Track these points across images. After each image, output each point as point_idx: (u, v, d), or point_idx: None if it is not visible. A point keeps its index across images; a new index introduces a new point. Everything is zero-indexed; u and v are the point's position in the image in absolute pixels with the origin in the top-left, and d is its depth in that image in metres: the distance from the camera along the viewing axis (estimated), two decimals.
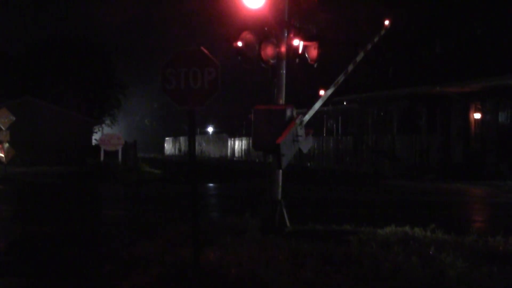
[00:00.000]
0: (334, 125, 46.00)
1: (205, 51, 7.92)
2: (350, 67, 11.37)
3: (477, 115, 31.99)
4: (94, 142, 43.71)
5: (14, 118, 29.30)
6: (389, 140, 35.84)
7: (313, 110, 11.02)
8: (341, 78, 11.32)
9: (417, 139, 33.56)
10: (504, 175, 28.40)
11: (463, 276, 7.34)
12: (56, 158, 37.89)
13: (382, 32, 11.53)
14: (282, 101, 10.59)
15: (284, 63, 10.58)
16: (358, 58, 11.36)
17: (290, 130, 10.16)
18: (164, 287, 7.38)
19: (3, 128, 28.92)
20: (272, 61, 10.50)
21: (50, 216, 14.72)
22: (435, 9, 37.18)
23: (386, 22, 11.60)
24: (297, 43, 10.57)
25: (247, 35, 10.27)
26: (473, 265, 7.80)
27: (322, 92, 11.90)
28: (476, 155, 31.34)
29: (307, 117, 10.68)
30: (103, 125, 55.76)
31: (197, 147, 63.98)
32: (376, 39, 11.56)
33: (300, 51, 10.61)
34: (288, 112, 10.32)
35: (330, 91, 11.37)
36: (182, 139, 75.67)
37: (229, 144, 62.76)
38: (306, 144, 10.67)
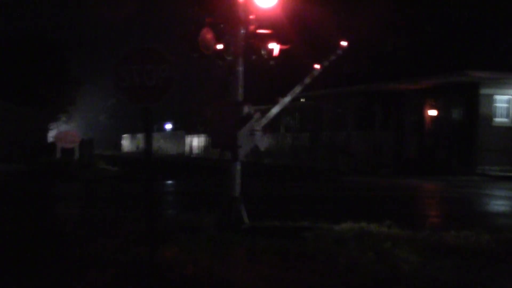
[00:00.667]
0: (291, 121, 46.25)
1: (159, 48, 7.89)
2: (307, 80, 11.78)
3: (431, 112, 32.53)
4: (50, 139, 43.07)
5: None
6: (345, 136, 36.21)
7: (270, 115, 11.23)
8: (297, 88, 11.77)
9: (371, 135, 33.99)
10: (456, 170, 28.98)
11: (416, 270, 7.47)
12: (8, 156, 37.20)
13: (339, 52, 11.91)
14: (239, 97, 10.61)
15: (241, 60, 10.61)
16: (315, 73, 11.75)
17: (247, 124, 10.23)
18: (120, 287, 7.33)
19: None
20: (229, 58, 10.51)
21: (2, 216, 14.45)
22: (389, 6, 37.62)
23: (343, 43, 12.04)
24: (254, 40, 10.61)
25: (205, 31, 10.24)
26: (426, 259, 7.95)
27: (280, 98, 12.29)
28: (429, 150, 31.89)
29: (264, 121, 10.78)
30: (60, 122, 55.00)
31: (154, 144, 63.59)
32: (332, 58, 12.08)
33: (257, 48, 10.64)
34: (246, 109, 10.37)
35: (287, 99, 11.77)
36: (139, 136, 75.18)
37: (186, 141, 62.56)
38: (263, 142, 10.74)
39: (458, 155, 30.42)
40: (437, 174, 28.22)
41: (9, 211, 15.44)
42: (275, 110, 11.46)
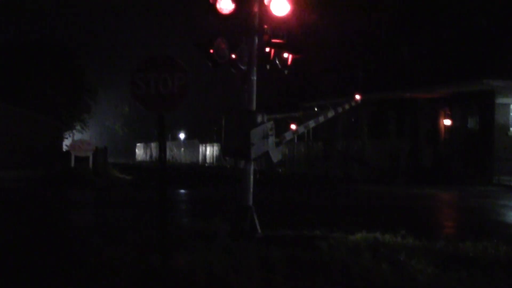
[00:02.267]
0: (305, 130, 46.18)
1: (174, 57, 7.91)
2: (321, 119, 12.02)
3: (446, 121, 32.35)
4: (65, 148, 43.29)
5: None
6: (359, 145, 36.09)
7: (283, 139, 11.32)
8: (311, 123, 12.00)
9: (386, 144, 33.85)
10: (472, 180, 28.77)
11: (432, 281, 7.39)
12: (24, 163, 37.41)
13: (353, 104, 12.37)
14: (253, 107, 10.59)
15: (254, 70, 10.58)
16: (330, 115, 12.05)
17: (261, 126, 10.22)
18: None
19: None
20: (243, 67, 10.50)
21: (17, 221, 14.51)
22: (404, 15, 37.56)
23: (357, 97, 12.64)
24: (268, 49, 10.60)
25: (219, 41, 10.24)
26: (443, 270, 7.86)
27: (293, 127, 12.80)
28: (445, 160, 31.70)
29: (277, 141, 10.81)
30: (74, 130, 55.25)
31: (168, 153, 63.75)
32: (347, 107, 12.94)
33: (271, 57, 10.64)
34: (259, 118, 10.34)
35: (301, 130, 12.03)
36: (153, 145, 75.43)
37: (200, 150, 62.66)
38: (276, 153, 10.70)
39: (474, 165, 30.21)
40: (453, 184, 28.04)
41: (25, 217, 15.51)
42: (288, 136, 11.63)
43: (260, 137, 10.21)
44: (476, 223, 15.40)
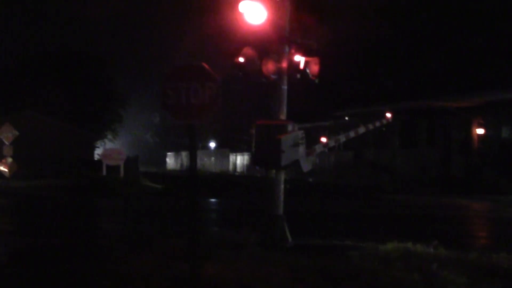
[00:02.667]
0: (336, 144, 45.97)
1: (205, 66, 7.92)
2: (352, 134, 12.21)
3: (480, 130, 31.96)
4: (96, 157, 43.71)
5: (17, 133, 29.32)
6: (390, 154, 35.82)
7: (314, 151, 11.40)
8: (342, 138, 12.16)
9: (417, 153, 33.54)
10: (505, 189, 28.35)
11: None
12: (57, 172, 37.87)
13: (384, 122, 13.24)
14: (283, 116, 10.58)
15: (285, 79, 10.58)
16: (360, 131, 12.34)
17: (292, 134, 10.20)
18: None
19: (6, 143, 28.93)
20: (273, 77, 10.50)
21: (50, 230, 14.67)
22: (435, 23, 37.29)
23: (388, 115, 12.86)
24: (298, 58, 10.59)
25: (248, 50, 10.26)
26: (475, 281, 7.75)
27: (324, 140, 12.95)
28: (477, 169, 31.30)
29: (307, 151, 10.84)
30: (105, 139, 55.76)
31: (198, 162, 63.94)
32: (377, 125, 13.22)
33: (301, 66, 10.62)
34: (290, 127, 10.32)
35: (331, 143, 12.20)
36: (183, 153, 75.70)
37: (230, 159, 62.77)
38: (307, 163, 10.67)
39: (508, 174, 29.78)
40: (485, 194, 27.66)
41: (56, 225, 15.67)
42: (319, 149, 11.69)
43: (290, 144, 10.18)
44: (510, 234, 15.16)
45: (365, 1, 40.19)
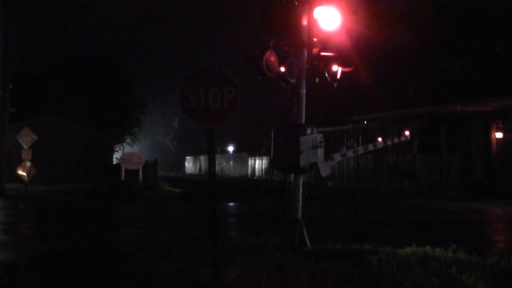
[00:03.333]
0: (354, 144, 45.86)
1: (225, 70, 7.97)
2: (370, 147, 12.49)
3: (499, 134, 31.74)
4: (115, 161, 43.95)
5: (36, 137, 29.56)
6: (409, 159, 35.63)
7: (332, 160, 11.53)
8: (360, 150, 12.41)
9: (437, 158, 33.33)
10: None
11: None
12: (76, 177, 38.17)
13: (403, 139, 13.38)
14: (302, 120, 10.59)
15: (304, 83, 10.58)
16: (379, 146, 12.91)
17: (310, 136, 10.18)
18: None
19: (25, 147, 29.19)
20: (292, 81, 10.52)
21: (70, 234, 14.79)
22: (455, 27, 37.09)
23: (407, 133, 13.51)
24: (317, 63, 10.60)
25: (267, 54, 10.28)
26: (495, 286, 7.71)
27: (343, 149, 13.32)
28: (497, 174, 31.05)
29: (326, 161, 10.85)
30: (124, 143, 56.04)
31: (217, 166, 64.09)
32: (396, 141, 14.34)
33: (320, 71, 10.62)
34: (308, 130, 10.31)
35: (350, 153, 12.40)
36: (202, 158, 75.86)
37: (249, 163, 62.77)
38: (326, 168, 10.66)
39: None
40: (506, 198, 27.45)
41: (77, 230, 15.79)
42: (337, 158, 11.82)
43: (309, 146, 10.15)
44: None
45: (384, 5, 40.11)
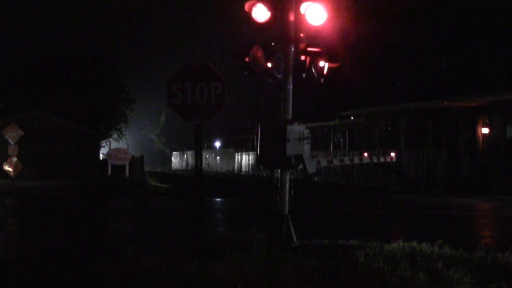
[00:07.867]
0: (341, 139, 45.96)
1: (212, 66, 7.95)
2: (356, 160, 12.66)
3: (485, 130, 31.91)
4: (102, 156, 43.76)
5: (22, 133, 29.40)
6: (396, 155, 35.75)
7: (318, 163, 11.58)
8: (346, 160, 12.56)
9: (423, 153, 33.46)
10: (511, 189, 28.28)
11: None
12: (63, 172, 37.98)
13: (389, 160, 13.75)
14: (289, 115, 10.58)
15: (291, 78, 10.58)
16: (365, 161, 12.94)
17: (297, 127, 10.14)
18: None
19: (11, 143, 29.03)
20: (279, 76, 10.51)
21: (56, 230, 14.73)
22: (441, 23, 37.22)
23: (392, 155, 13.95)
24: (304, 58, 10.58)
25: (254, 50, 10.26)
26: (481, 281, 7.75)
27: (329, 156, 13.39)
28: (484, 169, 31.23)
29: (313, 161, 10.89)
30: (111, 139, 55.78)
31: (204, 162, 64.00)
32: (382, 160, 13.89)
33: (307, 66, 10.61)
34: (295, 125, 10.31)
35: (336, 161, 12.47)
36: (189, 153, 75.72)
37: (236, 158, 62.72)
38: (312, 165, 10.66)
39: None
40: (492, 194, 27.61)
41: (63, 226, 15.73)
42: (323, 163, 11.95)
43: (296, 137, 10.11)
44: None
45: (371, 0, 40.19)
